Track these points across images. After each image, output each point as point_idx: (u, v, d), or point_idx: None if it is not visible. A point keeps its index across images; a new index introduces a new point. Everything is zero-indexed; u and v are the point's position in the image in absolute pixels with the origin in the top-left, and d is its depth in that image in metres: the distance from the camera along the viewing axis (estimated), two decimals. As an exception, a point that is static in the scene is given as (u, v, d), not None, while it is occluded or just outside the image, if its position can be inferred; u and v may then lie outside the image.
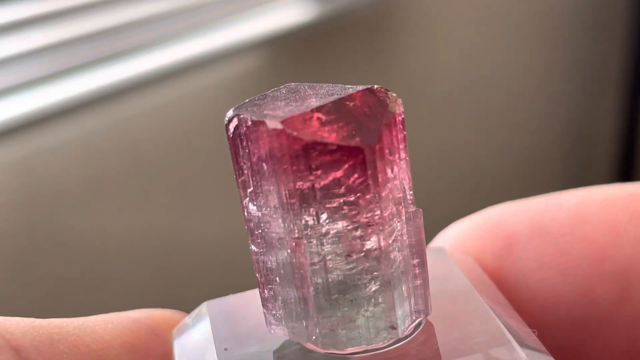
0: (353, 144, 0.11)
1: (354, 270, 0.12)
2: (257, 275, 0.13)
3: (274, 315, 0.13)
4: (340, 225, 0.12)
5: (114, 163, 0.51)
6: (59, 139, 0.49)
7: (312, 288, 0.12)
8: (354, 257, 0.12)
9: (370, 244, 0.12)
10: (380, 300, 0.12)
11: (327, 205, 0.11)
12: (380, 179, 0.11)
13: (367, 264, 0.12)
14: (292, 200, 0.12)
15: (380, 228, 0.12)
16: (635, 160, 0.96)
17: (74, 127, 0.50)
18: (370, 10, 0.66)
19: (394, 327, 0.12)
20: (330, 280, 0.12)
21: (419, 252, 0.12)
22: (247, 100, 0.12)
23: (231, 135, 0.12)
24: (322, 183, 0.11)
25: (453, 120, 0.78)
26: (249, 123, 0.11)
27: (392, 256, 0.12)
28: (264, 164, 0.12)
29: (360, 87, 0.12)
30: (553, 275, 0.15)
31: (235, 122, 0.12)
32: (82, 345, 0.13)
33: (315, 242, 0.12)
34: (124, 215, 0.52)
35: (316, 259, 0.12)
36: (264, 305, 0.13)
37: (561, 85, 0.90)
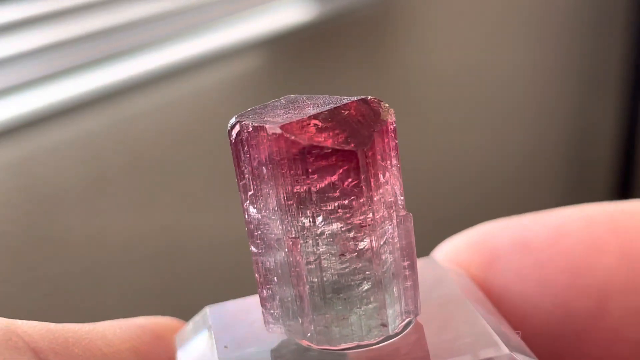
0: (347, 148, 0.12)
1: (347, 270, 0.13)
2: (256, 275, 0.13)
3: (271, 314, 0.13)
4: (335, 226, 0.12)
5: (114, 163, 0.52)
6: (59, 139, 0.49)
7: (307, 286, 0.13)
8: (347, 257, 0.12)
9: (363, 244, 0.12)
10: (372, 299, 0.13)
11: (323, 208, 0.12)
12: (372, 183, 0.12)
13: (360, 264, 0.12)
14: (290, 202, 0.12)
15: (372, 230, 0.12)
16: (636, 160, 0.96)
17: (74, 127, 0.50)
18: (370, 10, 0.66)
19: (384, 325, 0.13)
20: (324, 279, 0.13)
21: (409, 254, 0.13)
22: (249, 109, 0.13)
23: (233, 141, 0.13)
24: (318, 186, 0.12)
25: (452, 120, 0.78)
26: (250, 129, 0.12)
27: (383, 257, 0.13)
28: (263, 168, 0.12)
29: (355, 98, 0.13)
30: (532, 287, 0.16)
31: (237, 128, 0.13)
32: (95, 348, 0.14)
33: (311, 242, 0.12)
34: (124, 215, 0.52)
35: (312, 258, 0.12)
36: (262, 305, 0.13)
37: (561, 85, 0.90)
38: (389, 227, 0.13)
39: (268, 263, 0.13)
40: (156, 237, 0.54)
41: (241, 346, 0.14)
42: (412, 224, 0.13)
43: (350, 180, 0.12)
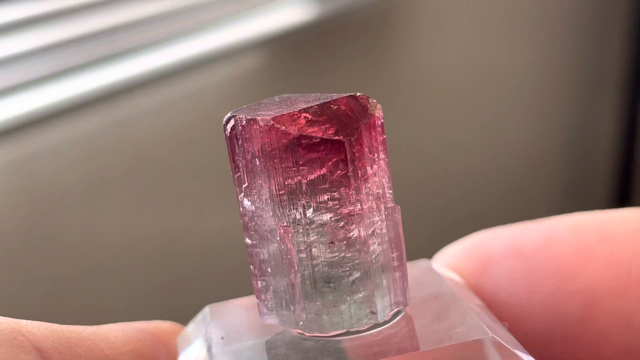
0: (335, 138, 0.13)
1: (336, 258, 0.13)
2: (251, 267, 0.14)
3: (266, 305, 0.14)
4: (324, 216, 0.13)
5: (114, 163, 0.52)
6: (59, 139, 0.49)
7: (299, 274, 0.13)
8: (337, 245, 0.13)
9: (352, 234, 0.13)
10: (361, 288, 0.13)
11: (313, 198, 0.13)
12: (360, 174, 0.13)
13: (349, 254, 0.13)
14: (281, 193, 0.13)
15: (360, 220, 0.13)
16: (635, 161, 0.96)
17: (74, 127, 0.50)
18: (370, 10, 0.66)
19: (373, 312, 0.13)
20: (315, 268, 0.13)
21: (397, 246, 0.14)
22: (243, 106, 0.14)
23: (228, 135, 0.13)
24: (308, 177, 0.13)
25: (452, 119, 0.78)
26: (244, 122, 0.13)
27: (371, 247, 0.13)
28: (256, 160, 0.13)
29: (344, 94, 0.13)
30: (521, 292, 0.16)
31: (232, 122, 0.13)
32: (97, 350, 0.14)
33: (301, 230, 0.13)
34: (124, 215, 0.52)
35: (302, 247, 0.13)
36: (257, 296, 0.14)
37: (560, 87, 0.90)
38: (377, 218, 0.13)
39: (262, 254, 0.14)
40: (156, 236, 0.54)
41: (237, 338, 0.14)
42: (400, 216, 0.14)
43: (338, 170, 0.13)
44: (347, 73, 0.66)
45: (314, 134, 0.13)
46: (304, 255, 0.13)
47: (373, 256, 0.13)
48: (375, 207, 0.13)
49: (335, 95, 0.13)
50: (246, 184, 0.13)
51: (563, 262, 0.16)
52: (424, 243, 0.79)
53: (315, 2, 0.62)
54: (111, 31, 0.52)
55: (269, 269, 0.14)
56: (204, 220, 0.57)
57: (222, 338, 0.14)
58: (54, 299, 0.49)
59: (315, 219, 0.13)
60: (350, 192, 0.13)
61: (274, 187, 0.13)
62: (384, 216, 0.13)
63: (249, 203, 0.14)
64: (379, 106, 0.13)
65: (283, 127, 0.13)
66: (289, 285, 0.13)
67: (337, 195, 0.13)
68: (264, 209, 0.13)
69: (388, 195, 0.14)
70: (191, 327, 0.16)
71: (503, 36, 0.82)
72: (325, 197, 0.13)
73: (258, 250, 0.14)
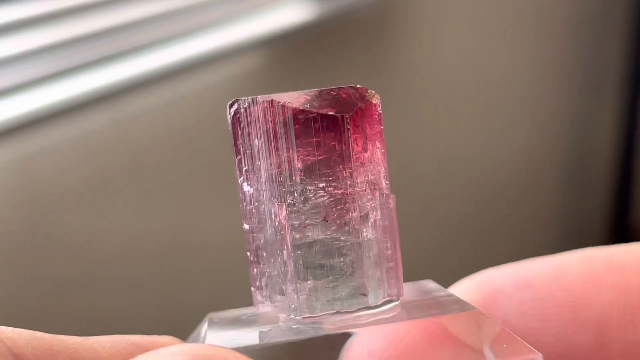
0: (331, 113, 0.13)
1: (329, 238, 0.13)
2: (247, 254, 0.14)
3: (260, 292, 0.14)
4: (319, 194, 0.13)
5: (114, 163, 0.52)
6: (59, 139, 0.49)
7: (292, 252, 0.13)
8: (330, 225, 0.13)
9: (345, 215, 0.13)
10: (353, 270, 0.13)
11: (308, 175, 0.13)
12: (354, 154, 0.13)
13: (342, 235, 0.13)
14: (278, 170, 0.13)
15: (353, 201, 0.13)
16: (635, 162, 0.96)
17: (75, 127, 0.50)
18: (370, 10, 0.66)
19: (364, 294, 0.14)
20: (308, 246, 0.13)
21: (391, 235, 0.14)
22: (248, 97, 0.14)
23: (231, 118, 0.14)
24: (303, 153, 0.13)
25: (452, 119, 0.78)
26: (246, 104, 0.13)
27: (364, 231, 0.14)
28: (256, 140, 0.13)
29: (345, 86, 0.14)
30: (533, 322, 0.16)
31: (235, 106, 0.14)
32: (80, 358, 0.14)
33: (295, 207, 0.13)
34: (125, 215, 0.52)
35: (296, 223, 0.13)
36: (252, 284, 0.14)
37: (560, 86, 0.90)
38: (372, 204, 0.14)
39: (259, 240, 0.14)
40: (156, 236, 0.54)
41: (230, 327, 0.14)
42: (395, 206, 0.14)
43: (334, 148, 0.13)
44: (347, 73, 0.66)
45: (311, 110, 0.13)
46: (297, 233, 0.13)
47: (366, 240, 0.13)
48: (369, 192, 0.14)
49: (335, 87, 0.14)
50: (246, 167, 0.14)
51: (574, 292, 0.16)
52: (423, 243, 0.79)
53: (315, 2, 0.62)
54: (111, 31, 0.52)
55: (265, 254, 0.14)
56: (204, 220, 0.57)
57: (215, 322, 0.14)
58: (54, 299, 0.49)
59: (310, 196, 0.13)
60: (345, 172, 0.13)
61: (271, 165, 0.13)
62: (378, 203, 0.14)
63: (249, 187, 0.14)
64: (377, 96, 0.14)
65: (282, 103, 0.13)
66: (282, 264, 0.13)
67: (332, 174, 0.13)
68: (263, 191, 0.14)
69: (384, 184, 0.14)
70: (191, 339, 0.16)
71: (503, 36, 0.82)
72: (320, 175, 0.13)
73: (255, 235, 0.14)
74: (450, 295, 0.15)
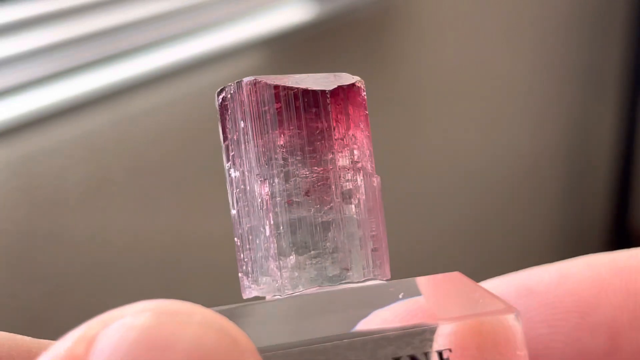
0: (314, 88, 0.13)
1: (311, 214, 0.13)
2: (235, 239, 0.14)
3: (247, 277, 0.14)
4: (301, 170, 0.13)
5: (114, 163, 0.52)
6: (59, 139, 0.49)
7: (275, 231, 0.13)
8: (312, 201, 0.13)
9: (327, 190, 0.13)
10: (335, 246, 0.14)
11: (291, 151, 0.13)
12: (337, 131, 0.13)
13: (324, 212, 0.13)
14: (263, 148, 0.13)
15: (336, 178, 0.13)
16: (635, 162, 0.96)
17: (75, 127, 0.50)
18: (370, 10, 0.66)
19: (347, 269, 0.14)
20: (290, 222, 0.13)
21: (376, 215, 0.14)
22: None
23: (219, 106, 0.14)
24: (286, 129, 0.13)
25: (452, 119, 0.78)
26: (232, 90, 0.14)
27: (347, 209, 0.14)
28: (241, 122, 0.14)
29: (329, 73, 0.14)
30: (541, 329, 0.16)
31: (223, 93, 0.14)
32: None
33: (278, 182, 0.13)
34: (124, 215, 0.52)
35: (278, 199, 0.13)
36: (240, 270, 0.14)
37: (560, 86, 0.90)
38: (355, 183, 0.14)
39: (245, 223, 0.14)
40: (157, 236, 0.54)
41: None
42: (380, 187, 0.14)
43: (315, 122, 0.13)
44: (347, 73, 0.66)
45: (292, 87, 0.13)
46: (279, 208, 0.13)
47: (349, 217, 0.14)
48: (353, 171, 0.14)
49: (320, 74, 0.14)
50: (233, 152, 0.14)
51: (580, 296, 0.16)
52: (421, 243, 0.79)
53: (315, 2, 0.62)
54: (111, 31, 0.52)
55: (251, 237, 0.14)
56: (204, 220, 0.57)
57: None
58: (55, 299, 0.49)
59: (293, 174, 0.13)
60: (327, 150, 0.13)
61: (256, 147, 0.13)
62: (362, 183, 0.14)
63: (235, 172, 0.14)
64: (361, 80, 0.14)
65: (264, 82, 0.13)
66: (265, 241, 0.13)
67: (314, 151, 0.13)
68: (248, 173, 0.14)
69: (370, 167, 0.14)
70: None
71: (503, 36, 0.82)
72: (302, 153, 0.13)
73: (242, 220, 0.14)
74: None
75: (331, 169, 0.13)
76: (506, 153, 0.85)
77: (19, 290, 0.47)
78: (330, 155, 0.13)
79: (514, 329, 0.13)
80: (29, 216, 0.47)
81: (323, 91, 0.13)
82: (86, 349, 0.10)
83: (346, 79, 0.14)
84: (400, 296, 0.13)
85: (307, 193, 0.13)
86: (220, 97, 0.14)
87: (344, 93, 0.14)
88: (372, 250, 0.14)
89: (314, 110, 0.13)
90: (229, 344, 0.10)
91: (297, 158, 0.13)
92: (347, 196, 0.14)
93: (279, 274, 0.13)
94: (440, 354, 0.12)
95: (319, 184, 0.13)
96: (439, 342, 0.13)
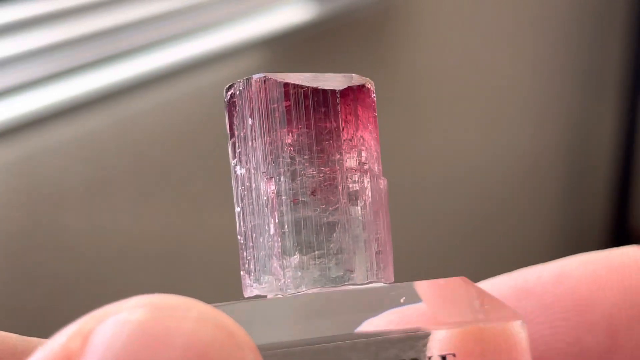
0: (322, 88, 0.13)
1: (317, 214, 0.13)
2: (238, 237, 0.14)
3: (250, 275, 0.14)
4: (308, 169, 0.13)
5: (115, 163, 0.52)
6: (59, 139, 0.49)
7: (279, 227, 0.13)
8: (318, 201, 0.13)
9: (334, 190, 0.13)
10: (340, 247, 0.13)
11: (298, 150, 0.13)
12: (345, 132, 0.13)
13: (330, 212, 0.13)
14: (270, 146, 0.13)
15: (343, 178, 0.13)
16: (635, 162, 0.96)
17: (75, 127, 0.50)
18: (370, 10, 0.66)
19: (350, 271, 0.13)
20: (295, 221, 0.13)
21: (381, 217, 0.14)
22: None
23: (227, 102, 0.14)
24: (294, 128, 0.13)
25: (451, 119, 0.78)
26: (241, 86, 0.14)
27: (353, 210, 0.13)
28: (249, 119, 0.13)
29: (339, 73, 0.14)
30: (542, 329, 0.16)
31: (231, 90, 0.14)
32: None
33: (284, 181, 0.13)
34: (125, 215, 0.52)
35: (284, 197, 0.13)
36: (242, 268, 0.14)
37: (560, 86, 0.90)
38: (362, 184, 0.14)
39: (249, 221, 0.14)
40: (157, 236, 0.54)
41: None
42: (386, 189, 0.14)
43: (324, 122, 0.13)
44: (347, 73, 0.66)
45: (302, 85, 0.13)
46: (285, 208, 0.13)
47: (354, 219, 0.13)
48: (360, 172, 0.14)
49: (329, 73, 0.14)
50: (240, 149, 0.14)
51: (578, 295, 0.16)
52: (421, 244, 0.79)
53: (315, 2, 0.62)
54: (111, 31, 0.52)
55: (254, 235, 0.14)
56: (204, 220, 0.57)
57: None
58: (54, 299, 0.49)
59: (300, 173, 0.13)
60: (335, 150, 0.13)
61: (263, 145, 0.13)
62: (369, 184, 0.14)
63: (241, 169, 0.14)
64: (371, 82, 0.14)
65: (273, 79, 0.13)
66: (269, 239, 0.13)
67: (322, 151, 0.13)
68: (254, 170, 0.14)
69: (377, 169, 0.14)
70: None
71: (503, 37, 0.82)
72: (310, 152, 0.13)
73: (246, 217, 0.14)
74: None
75: (338, 169, 0.13)
76: (506, 153, 0.85)
77: (19, 290, 0.47)
78: (338, 156, 0.13)
79: (518, 336, 0.13)
80: (29, 216, 0.47)
81: (333, 91, 0.13)
82: (81, 344, 0.10)
83: (356, 79, 0.14)
84: (402, 300, 0.13)
85: (313, 193, 0.13)
86: (229, 93, 0.14)
87: (353, 94, 0.14)
88: (377, 252, 0.14)
89: (323, 109, 0.13)
90: (227, 339, 0.10)
91: (305, 157, 0.13)
92: (353, 197, 0.13)
93: (282, 273, 0.13)
94: (443, 358, 0.12)
95: (325, 184, 0.13)
96: (443, 346, 0.12)
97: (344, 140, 0.13)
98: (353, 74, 0.14)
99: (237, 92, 0.14)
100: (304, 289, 0.13)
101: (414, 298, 0.13)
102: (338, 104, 0.13)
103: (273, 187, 0.13)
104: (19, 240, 0.47)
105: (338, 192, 0.13)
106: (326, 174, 0.13)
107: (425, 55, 0.73)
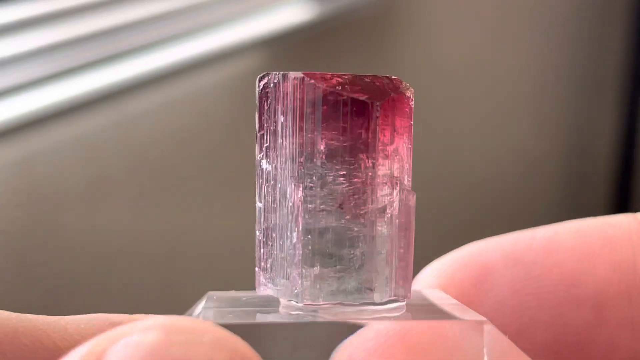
0: (362, 98, 0.13)
1: (342, 226, 0.13)
2: (257, 232, 0.14)
3: (264, 274, 0.14)
4: (338, 180, 0.13)
5: (115, 163, 0.52)
6: (59, 139, 0.49)
7: (302, 236, 0.13)
8: (345, 212, 0.13)
9: (362, 205, 0.13)
10: (362, 263, 0.13)
11: (330, 159, 0.13)
12: (380, 144, 0.13)
13: (356, 226, 0.13)
14: (300, 150, 0.13)
15: (372, 191, 0.13)
16: (635, 162, 0.96)
17: (75, 127, 0.50)
18: (370, 10, 0.66)
19: (370, 289, 0.13)
20: (319, 232, 0.13)
21: (406, 233, 0.13)
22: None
23: (259, 92, 0.13)
24: (329, 135, 0.13)
25: (451, 119, 0.78)
26: (276, 79, 0.13)
27: (379, 225, 0.13)
28: (281, 116, 0.13)
29: (380, 75, 0.13)
30: (528, 301, 0.16)
31: (265, 80, 0.13)
32: (48, 340, 0.13)
33: (313, 191, 0.13)
34: (125, 215, 0.52)
35: (311, 207, 0.13)
36: (257, 264, 0.14)
37: (560, 86, 0.90)
38: (390, 198, 0.13)
39: (270, 219, 0.13)
40: (157, 236, 0.54)
41: (229, 306, 0.14)
42: (415, 203, 0.13)
43: (360, 134, 0.13)
44: (347, 73, 0.66)
45: (342, 92, 0.13)
46: (310, 217, 0.13)
47: (380, 234, 0.13)
48: (390, 185, 0.13)
49: (370, 75, 0.13)
50: (267, 144, 0.13)
51: (568, 268, 0.16)
52: (417, 243, 0.79)
53: (315, 2, 0.62)
54: (111, 31, 0.52)
55: (274, 235, 0.13)
56: (204, 220, 0.57)
57: (215, 298, 0.14)
58: (54, 299, 0.49)
59: (329, 181, 0.13)
60: (367, 162, 0.13)
61: (294, 145, 0.13)
62: (397, 199, 0.13)
63: (267, 165, 0.13)
64: (411, 89, 0.14)
65: (313, 82, 0.13)
66: (290, 247, 0.13)
67: (354, 162, 0.13)
68: (281, 170, 0.13)
69: (406, 181, 0.13)
70: (189, 312, 0.15)
71: (503, 36, 0.82)
72: (342, 162, 0.13)
73: (267, 214, 0.14)
74: (458, 304, 0.14)
75: (369, 182, 0.13)
76: (506, 153, 0.85)
77: (19, 290, 0.47)
78: (370, 169, 0.13)
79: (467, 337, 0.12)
80: (29, 216, 0.47)
81: (373, 103, 0.13)
82: None
83: (396, 85, 0.13)
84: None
85: (341, 204, 0.13)
86: (262, 83, 0.13)
87: (393, 104, 0.13)
88: (397, 268, 0.13)
89: (360, 119, 0.13)
90: None
91: (336, 166, 0.13)
92: (381, 212, 0.13)
93: (299, 282, 0.13)
94: None
95: (354, 196, 0.13)
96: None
97: (378, 152, 0.13)
98: (394, 77, 0.14)
99: (272, 85, 0.13)
100: (320, 302, 0.13)
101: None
102: (377, 117, 0.13)
103: (300, 194, 0.13)
104: (19, 240, 0.47)
105: (366, 206, 0.13)
106: (356, 186, 0.13)
107: (425, 55, 0.73)
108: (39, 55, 0.48)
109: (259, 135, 0.13)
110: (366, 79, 0.13)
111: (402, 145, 0.13)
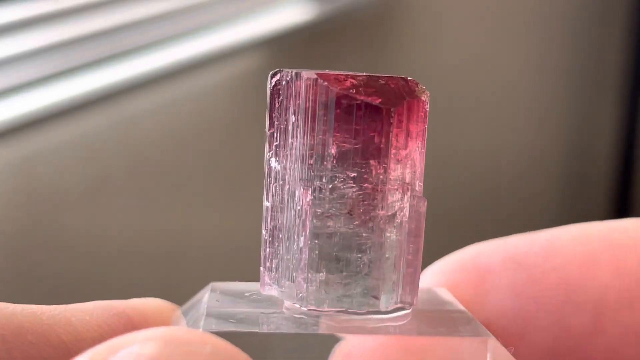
0: (376, 103, 0.12)
1: (350, 232, 0.13)
2: (263, 232, 0.13)
3: (269, 274, 0.13)
4: (348, 185, 0.13)
5: (115, 163, 0.52)
6: (59, 139, 0.49)
7: (309, 240, 0.13)
8: (354, 218, 0.13)
9: (371, 210, 0.13)
10: (369, 270, 0.13)
11: (340, 163, 0.12)
12: (393, 150, 0.13)
13: (364, 231, 0.13)
14: (311, 152, 0.13)
15: (383, 198, 0.13)
16: (635, 162, 0.96)
17: (75, 127, 0.50)
18: (370, 10, 0.66)
19: (376, 297, 0.13)
20: (327, 237, 0.13)
21: (416, 239, 0.13)
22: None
23: (271, 89, 0.13)
24: (339, 140, 0.12)
25: (451, 119, 0.78)
26: (289, 77, 0.13)
27: (388, 231, 0.13)
28: (293, 117, 0.13)
29: (395, 76, 0.13)
30: (527, 304, 0.16)
31: (277, 77, 0.13)
32: (53, 336, 0.13)
33: (322, 195, 0.12)
34: (125, 215, 0.52)
35: (319, 211, 0.12)
36: (262, 264, 0.13)
37: (560, 86, 0.90)
38: (401, 204, 0.13)
39: (277, 219, 0.13)
40: (157, 237, 0.54)
41: (232, 304, 0.14)
42: (425, 210, 0.13)
43: (372, 139, 0.12)
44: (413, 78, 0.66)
45: (355, 96, 0.12)
46: (318, 221, 0.13)
47: (388, 241, 0.13)
48: (401, 191, 0.13)
49: (385, 76, 0.13)
50: (277, 142, 0.13)
51: (569, 272, 0.16)
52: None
53: (314, 2, 0.62)
54: (111, 31, 0.51)
55: (281, 235, 0.13)
56: (204, 220, 0.57)
57: (217, 301, 0.14)
58: (54, 299, 0.49)
59: (339, 185, 0.13)
60: (379, 167, 0.13)
61: (304, 146, 0.13)
62: (408, 205, 0.13)
63: (276, 164, 0.13)
64: (427, 93, 0.13)
65: (326, 84, 0.12)
66: (297, 250, 0.13)
67: (365, 166, 0.13)
68: (290, 170, 0.13)
69: (417, 186, 0.13)
70: (188, 304, 0.15)
71: (503, 37, 0.82)
72: (353, 166, 0.12)
73: (275, 214, 0.13)
74: (464, 312, 0.14)
75: (380, 187, 0.13)
76: (506, 152, 0.85)
77: (19, 290, 0.47)
78: (381, 174, 0.13)
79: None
80: (29, 216, 0.47)
81: (388, 109, 0.12)
82: None
83: (412, 88, 0.13)
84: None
85: (350, 210, 0.13)
86: (274, 79, 0.13)
87: (408, 108, 0.13)
88: (405, 275, 0.13)
89: (373, 124, 0.12)
90: None
91: (347, 170, 0.12)
92: (390, 218, 0.13)
93: (304, 286, 0.13)
94: None
95: (364, 202, 0.13)
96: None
97: (390, 157, 0.13)
98: (410, 78, 0.13)
99: (284, 82, 0.13)
100: (325, 308, 0.13)
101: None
102: (391, 123, 0.13)
103: (309, 198, 0.13)
104: (19, 240, 0.47)
105: (376, 212, 0.13)
106: (366, 191, 0.13)
107: (425, 55, 0.73)
108: (39, 55, 0.48)
109: (268, 133, 0.13)
110: (381, 81, 0.13)
111: (415, 150, 0.13)
